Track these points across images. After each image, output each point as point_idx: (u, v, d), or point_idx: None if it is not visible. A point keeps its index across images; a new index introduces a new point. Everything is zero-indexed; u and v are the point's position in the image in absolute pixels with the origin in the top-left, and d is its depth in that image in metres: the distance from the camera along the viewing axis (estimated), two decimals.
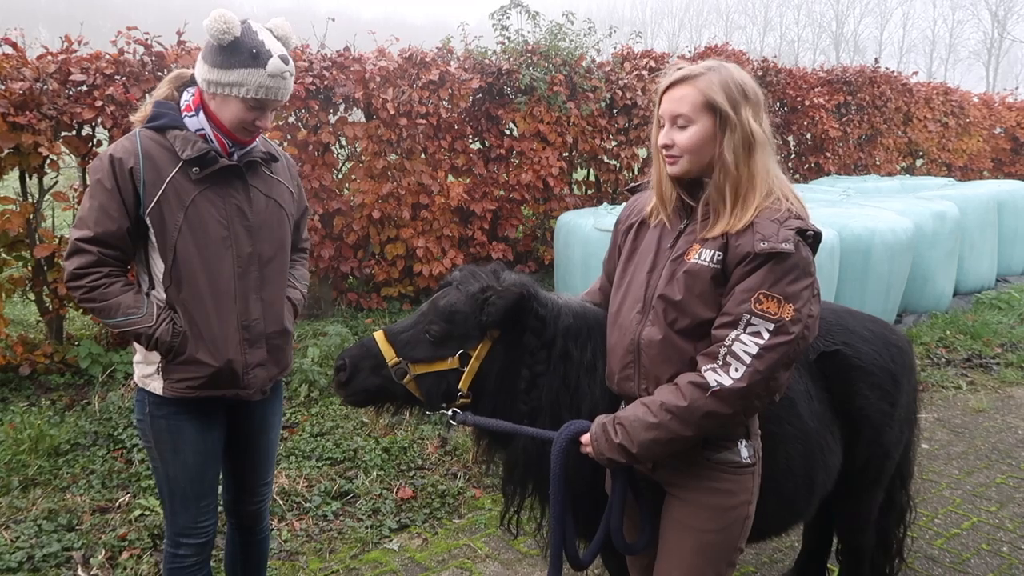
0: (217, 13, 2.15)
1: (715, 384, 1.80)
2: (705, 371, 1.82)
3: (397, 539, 3.67)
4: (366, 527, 3.74)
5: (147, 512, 3.70)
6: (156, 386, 2.29)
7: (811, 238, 1.86)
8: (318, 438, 4.55)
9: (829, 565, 3.23)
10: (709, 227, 1.90)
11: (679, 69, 1.92)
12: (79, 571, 3.29)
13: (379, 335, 2.26)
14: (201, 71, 2.24)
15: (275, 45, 2.23)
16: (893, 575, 3.08)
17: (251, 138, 2.32)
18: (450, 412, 2.20)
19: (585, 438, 1.98)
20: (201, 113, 2.25)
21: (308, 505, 3.88)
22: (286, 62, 2.22)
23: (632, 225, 2.13)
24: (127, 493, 3.88)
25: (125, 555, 3.40)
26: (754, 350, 1.78)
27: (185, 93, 2.31)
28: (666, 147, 1.91)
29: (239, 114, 2.23)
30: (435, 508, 3.93)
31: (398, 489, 4.06)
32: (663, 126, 1.94)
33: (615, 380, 2.06)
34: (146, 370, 2.31)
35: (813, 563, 3.22)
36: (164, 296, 2.26)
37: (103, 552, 3.40)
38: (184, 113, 2.26)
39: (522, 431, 2.10)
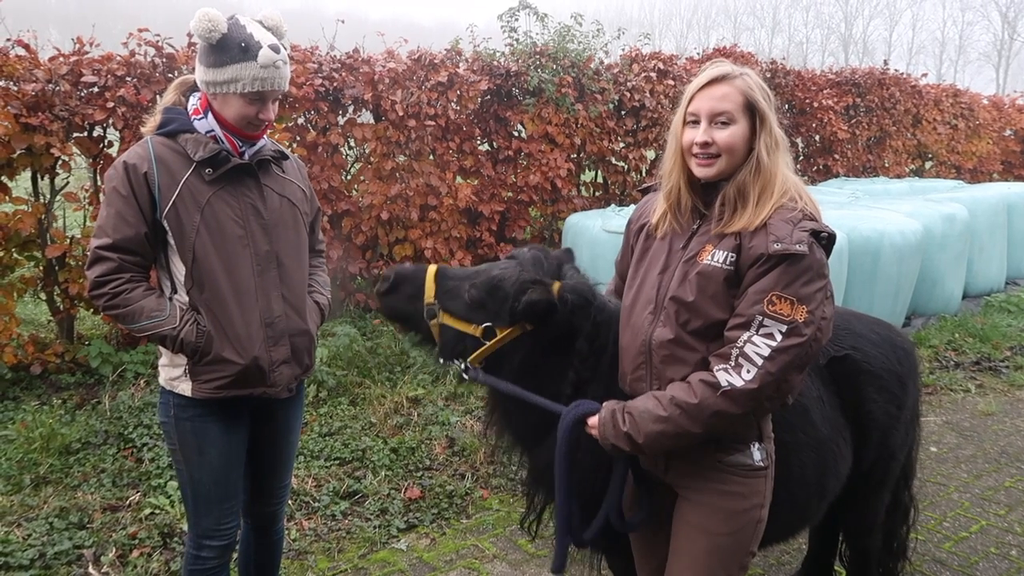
0: (201, 12, 2.17)
1: (726, 384, 1.80)
2: (717, 371, 1.83)
3: (405, 539, 3.69)
4: (374, 527, 3.75)
5: (157, 510, 3.72)
6: (184, 388, 2.30)
7: (825, 240, 1.86)
8: (327, 438, 4.56)
9: (836, 567, 3.23)
10: (726, 223, 1.90)
11: (717, 67, 1.93)
12: (90, 569, 3.32)
13: (431, 270, 2.30)
14: (199, 73, 2.27)
15: (264, 35, 2.24)
16: (899, 575, 3.08)
17: (259, 132, 2.33)
18: (462, 366, 2.22)
19: (592, 420, 1.99)
20: (209, 115, 2.28)
21: (317, 505, 3.90)
22: (277, 51, 2.23)
23: (644, 226, 2.14)
24: (137, 492, 3.90)
25: (135, 553, 3.43)
26: (766, 352, 1.79)
27: (192, 97, 2.34)
28: (704, 145, 1.89)
29: (241, 110, 2.24)
30: (443, 508, 3.94)
31: (406, 489, 4.08)
32: (694, 124, 1.92)
33: (627, 381, 2.07)
34: (173, 372, 2.33)
35: (820, 565, 3.22)
36: (187, 299, 2.27)
37: (114, 550, 3.42)
38: (193, 117, 2.29)
39: (531, 399, 2.12)
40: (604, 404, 1.99)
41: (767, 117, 1.89)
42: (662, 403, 1.87)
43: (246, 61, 2.19)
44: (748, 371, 1.80)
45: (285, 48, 2.31)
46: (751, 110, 1.89)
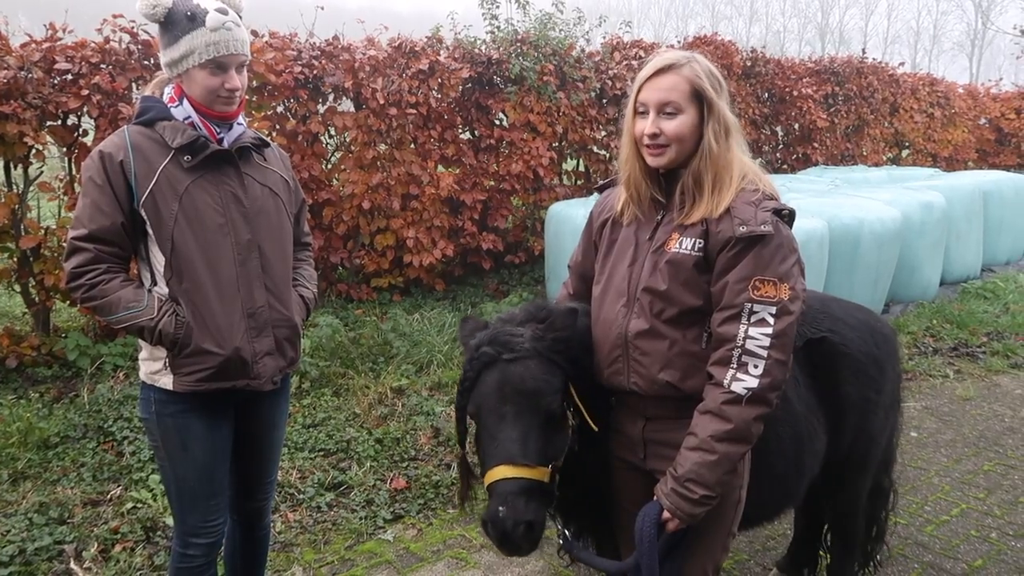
0: None
1: (744, 391, 1.81)
2: (728, 382, 1.83)
3: (391, 530, 3.67)
4: (360, 518, 3.73)
5: (139, 504, 3.68)
6: (166, 381, 2.25)
7: (787, 217, 1.90)
8: (310, 429, 4.53)
9: (820, 552, 3.26)
10: (687, 213, 1.92)
11: (662, 57, 1.94)
12: (71, 564, 3.27)
13: (504, 470, 1.98)
14: (162, 61, 2.24)
15: (211, 2, 2.20)
16: (879, 558, 3.12)
17: (232, 108, 2.27)
18: (568, 533, 2.13)
19: (664, 516, 1.90)
20: (185, 102, 2.23)
21: (302, 496, 3.87)
22: (225, 12, 2.19)
23: (606, 220, 2.15)
24: (118, 486, 3.85)
25: (118, 548, 3.38)
26: (766, 342, 1.81)
27: (166, 88, 2.29)
28: (653, 136, 1.91)
29: (205, 83, 2.19)
30: (429, 498, 3.93)
31: (392, 480, 4.06)
32: (644, 114, 1.94)
33: (604, 375, 2.07)
34: (153, 366, 2.28)
35: (805, 549, 3.25)
36: (167, 291, 2.23)
37: (95, 545, 3.38)
38: (169, 105, 2.25)
39: (612, 566, 2.07)
40: (657, 494, 1.91)
41: (715, 104, 1.89)
42: (705, 449, 1.84)
43: (195, 29, 2.15)
44: (755, 366, 1.81)
45: (238, 13, 2.26)
46: (699, 98, 1.89)
